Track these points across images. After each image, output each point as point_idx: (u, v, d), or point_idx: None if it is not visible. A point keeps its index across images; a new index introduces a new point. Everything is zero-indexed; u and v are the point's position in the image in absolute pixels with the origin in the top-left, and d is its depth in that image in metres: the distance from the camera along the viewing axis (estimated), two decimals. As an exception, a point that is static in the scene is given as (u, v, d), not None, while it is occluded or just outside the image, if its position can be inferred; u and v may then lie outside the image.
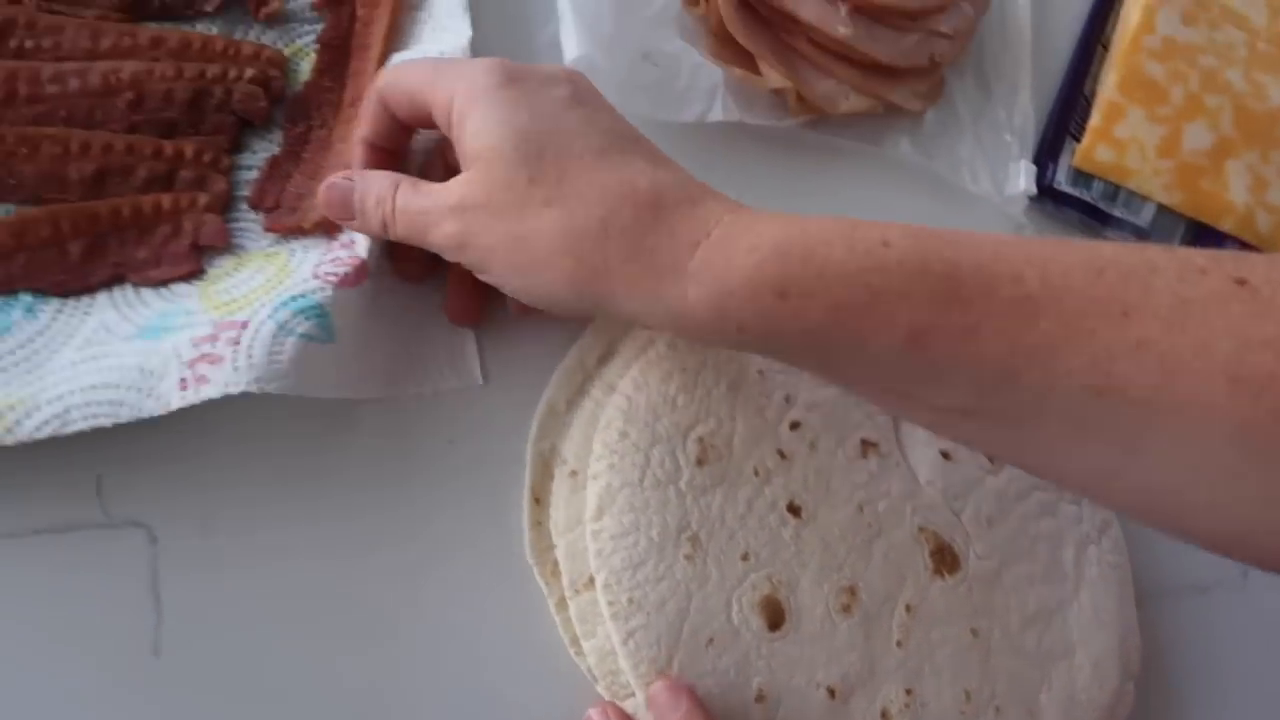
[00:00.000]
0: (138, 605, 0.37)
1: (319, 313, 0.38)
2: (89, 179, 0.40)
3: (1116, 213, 0.52)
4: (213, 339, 0.36)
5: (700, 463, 0.40)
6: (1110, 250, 0.30)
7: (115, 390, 0.36)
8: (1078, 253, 0.30)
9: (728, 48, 0.49)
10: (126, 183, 0.40)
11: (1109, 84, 0.53)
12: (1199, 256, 0.29)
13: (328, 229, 0.41)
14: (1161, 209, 0.53)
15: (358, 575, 0.39)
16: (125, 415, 0.35)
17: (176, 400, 0.36)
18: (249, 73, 0.43)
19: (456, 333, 0.43)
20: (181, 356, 0.36)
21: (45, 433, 0.35)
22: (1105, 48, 0.57)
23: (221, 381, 0.36)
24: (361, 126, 0.40)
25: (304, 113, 0.44)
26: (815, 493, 0.41)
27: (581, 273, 0.34)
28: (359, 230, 0.40)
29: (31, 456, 0.36)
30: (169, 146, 0.41)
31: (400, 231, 0.37)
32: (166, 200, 0.40)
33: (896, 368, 0.31)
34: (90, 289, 0.39)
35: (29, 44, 0.41)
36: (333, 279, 0.38)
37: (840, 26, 0.48)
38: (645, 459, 0.40)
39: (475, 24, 0.45)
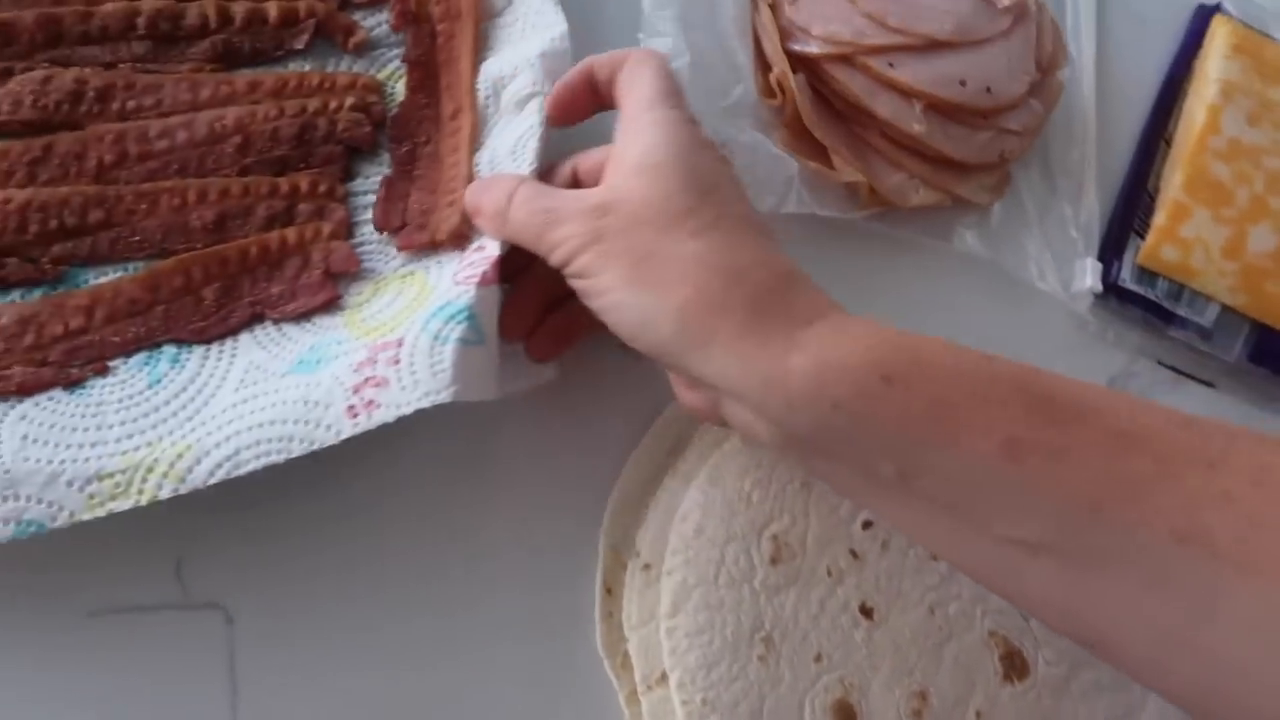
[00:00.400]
0: (215, 685, 0.38)
1: (468, 315, 0.37)
2: (211, 225, 0.41)
3: (1180, 312, 0.53)
4: (371, 362, 0.36)
5: (774, 561, 0.40)
6: (1190, 413, 0.30)
7: (283, 426, 0.36)
8: (1162, 407, 0.31)
9: (802, 140, 0.49)
10: (248, 223, 0.41)
11: (1174, 183, 0.54)
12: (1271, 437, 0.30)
13: (460, 241, 0.41)
14: (1225, 310, 0.53)
15: (428, 657, 0.39)
16: (298, 450, 0.36)
17: (349, 428, 0.36)
18: (349, 101, 0.44)
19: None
20: (344, 384, 0.36)
21: (219, 476, 0.35)
22: (1168, 143, 0.57)
23: (392, 403, 0.35)
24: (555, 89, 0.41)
25: (407, 132, 0.44)
26: (887, 594, 0.41)
27: (695, 305, 0.33)
28: (483, 227, 0.40)
29: (114, 537, 0.36)
30: (284, 183, 0.42)
31: (518, 223, 0.37)
32: (292, 234, 0.41)
33: (980, 479, 0.30)
34: (232, 331, 0.40)
35: (131, 104, 0.41)
36: (473, 279, 0.38)
37: (915, 123, 0.48)
38: (720, 556, 0.40)
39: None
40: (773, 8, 0.50)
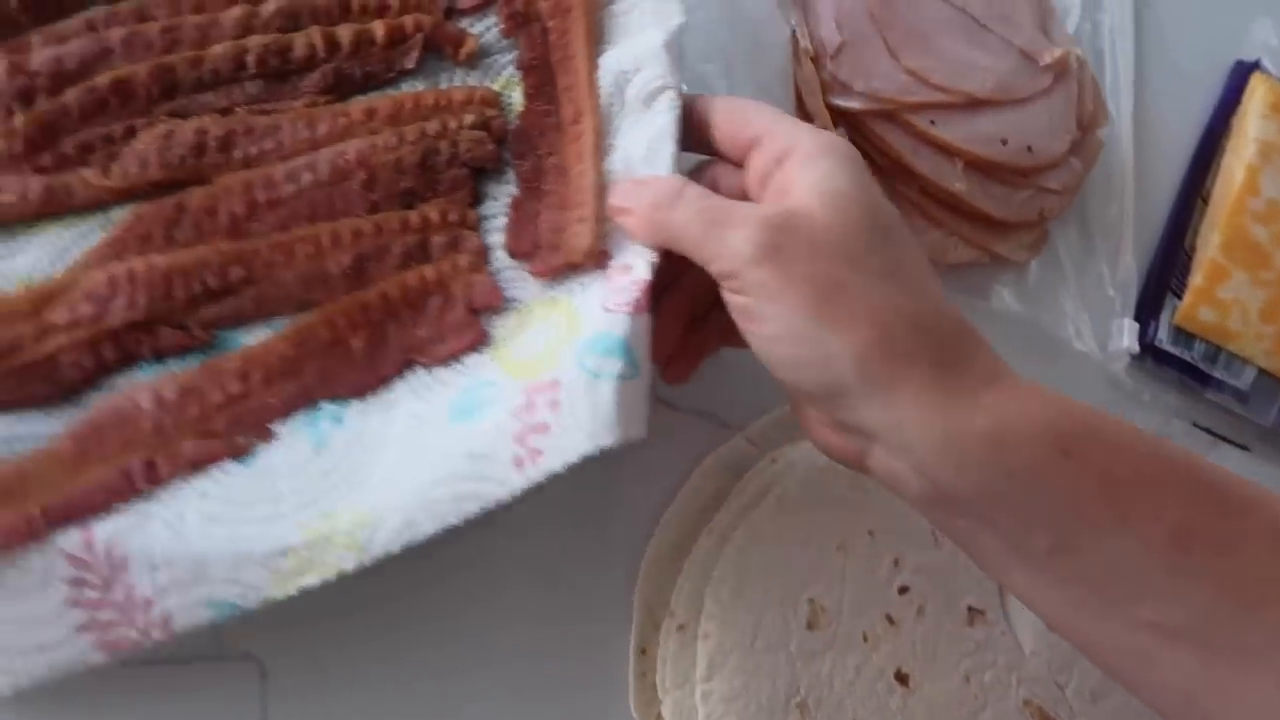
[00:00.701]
0: (249, 737, 0.38)
1: (623, 349, 0.36)
2: (349, 270, 0.40)
3: (1217, 374, 0.53)
4: (530, 407, 0.36)
5: (811, 626, 0.40)
6: None
7: (454, 484, 0.35)
8: None
9: (842, 195, 0.49)
10: (384, 263, 0.41)
11: (1212, 244, 0.54)
12: None
13: (599, 259, 0.39)
14: (1262, 373, 0.53)
15: (460, 715, 0.40)
16: (472, 508, 0.35)
17: (519, 481, 0.35)
18: (468, 119, 0.43)
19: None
20: (507, 432, 0.36)
21: (398, 545, 0.35)
22: (1205, 201, 0.58)
23: (557, 450, 0.35)
24: None
25: (530, 144, 0.43)
26: (922, 660, 0.41)
27: (879, 350, 0.32)
28: (632, 229, 0.38)
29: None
30: (414, 216, 0.41)
31: (680, 219, 0.35)
32: (430, 271, 0.41)
33: (1140, 563, 0.30)
34: (385, 381, 0.40)
35: (253, 150, 0.41)
36: (626, 307, 0.36)
37: (955, 181, 0.48)
38: (757, 620, 0.40)
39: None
40: (814, 61, 0.50)
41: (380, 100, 0.43)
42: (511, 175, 0.43)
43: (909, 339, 0.32)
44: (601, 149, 0.41)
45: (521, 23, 0.45)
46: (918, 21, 0.50)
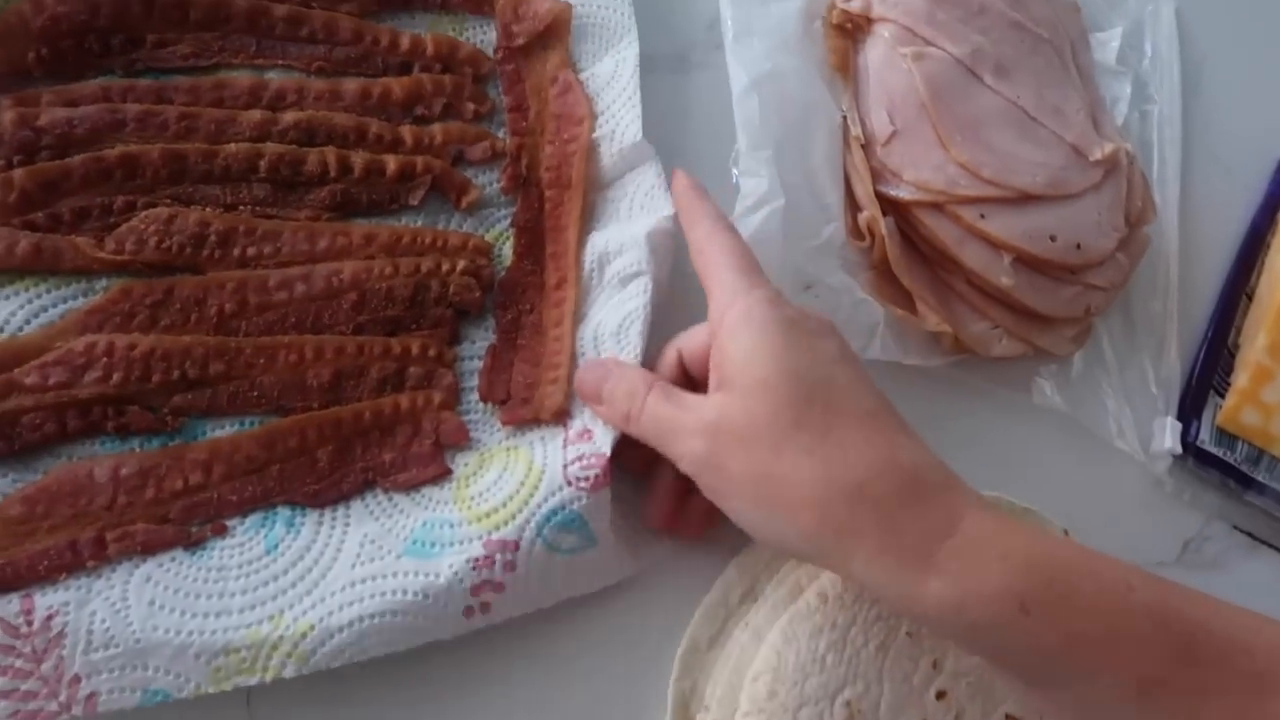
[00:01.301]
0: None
1: (580, 523, 0.40)
2: (326, 384, 0.41)
3: (1260, 477, 0.52)
4: (489, 562, 0.39)
5: (847, 729, 0.39)
6: None
7: (405, 618, 0.38)
8: None
9: (887, 283, 0.49)
10: (361, 384, 0.42)
11: (1257, 345, 0.53)
12: None
13: (561, 418, 0.42)
14: (1305, 479, 0.52)
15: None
16: (417, 641, 0.38)
17: (464, 627, 0.39)
18: (461, 264, 0.44)
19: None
20: (464, 583, 0.38)
21: (342, 660, 0.37)
22: (1249, 297, 0.57)
23: (505, 608, 0.39)
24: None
25: (512, 298, 0.45)
26: (959, 769, 0.40)
27: (824, 528, 0.34)
28: (603, 417, 0.41)
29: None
30: (396, 345, 0.43)
31: (643, 431, 0.38)
32: (404, 400, 0.42)
33: (1114, 711, 0.31)
34: (344, 497, 0.41)
35: (251, 251, 0.42)
36: (584, 484, 0.40)
37: (1003, 276, 0.48)
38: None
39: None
40: (864, 148, 0.50)
41: (381, 229, 0.44)
42: (492, 323, 0.45)
43: (849, 513, 0.33)
44: (578, 316, 0.44)
45: (522, 185, 0.47)
46: (969, 113, 0.49)
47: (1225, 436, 0.52)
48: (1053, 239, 0.48)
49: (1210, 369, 0.54)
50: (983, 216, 0.48)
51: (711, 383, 0.38)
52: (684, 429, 0.36)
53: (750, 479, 0.35)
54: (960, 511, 0.34)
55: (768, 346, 0.36)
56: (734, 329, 0.37)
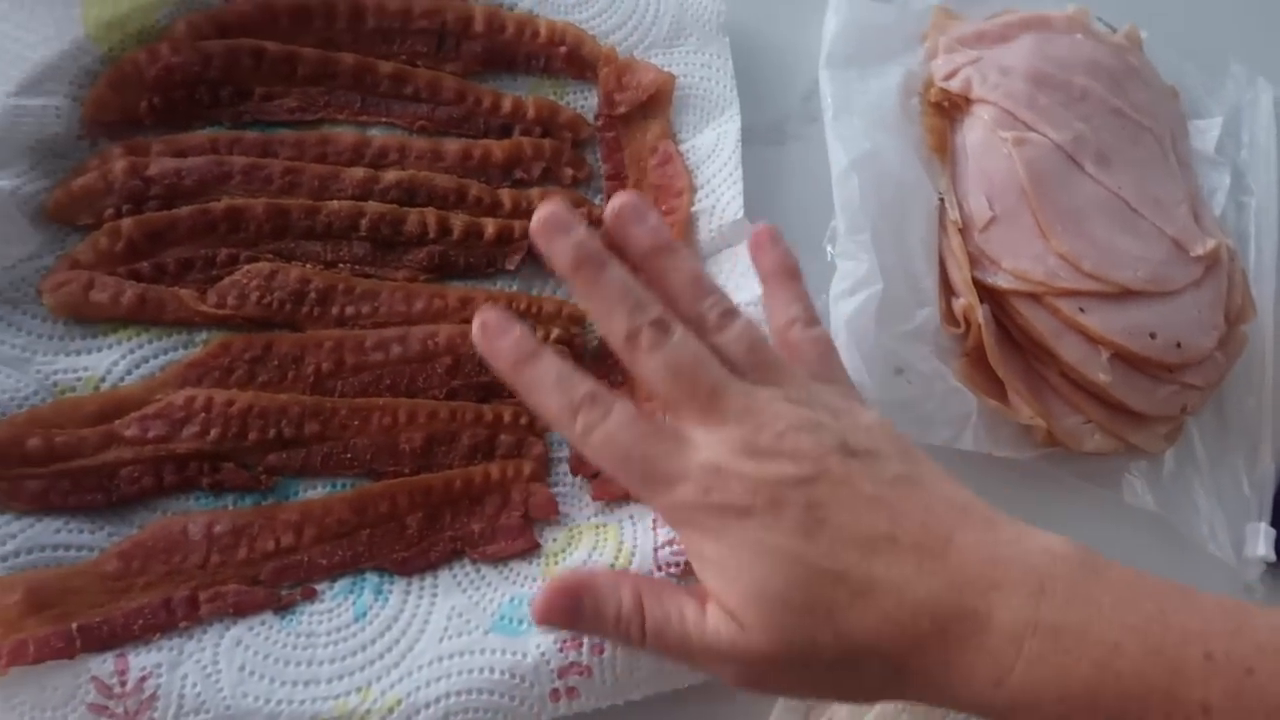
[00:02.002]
0: None
1: None
2: (418, 449, 0.41)
3: (1354, 590, 0.50)
4: (577, 644, 0.38)
5: None
6: None
7: (491, 697, 0.38)
8: None
9: (980, 371, 0.48)
10: (452, 450, 0.42)
11: (1354, 452, 0.52)
12: None
13: None
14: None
15: None
16: None
17: (549, 712, 0.38)
18: (555, 332, 0.44)
19: None
20: (550, 664, 0.38)
21: None
22: (1344, 401, 0.56)
23: (592, 695, 0.38)
24: None
25: (604, 370, 0.44)
26: None
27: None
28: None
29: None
30: (489, 412, 0.43)
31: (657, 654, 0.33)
32: (495, 470, 0.42)
33: None
34: (431, 566, 0.40)
35: (349, 310, 0.42)
36: (675, 570, 0.39)
37: (1100, 372, 0.47)
38: None
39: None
40: (962, 233, 0.49)
41: (477, 292, 0.44)
42: None
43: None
44: None
45: (615, 253, 0.46)
46: (1070, 202, 0.49)
47: (1319, 546, 0.51)
48: (1153, 336, 0.48)
49: (1305, 473, 0.53)
50: (1082, 310, 0.47)
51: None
52: (704, 656, 0.32)
53: (798, 693, 0.34)
54: (1010, 629, 0.30)
55: (773, 574, 0.30)
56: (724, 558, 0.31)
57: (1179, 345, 0.48)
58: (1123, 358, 0.48)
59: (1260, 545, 0.49)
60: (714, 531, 0.31)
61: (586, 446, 0.32)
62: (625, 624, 0.32)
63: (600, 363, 0.45)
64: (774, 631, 0.30)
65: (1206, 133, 0.58)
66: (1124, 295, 0.48)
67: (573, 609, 0.32)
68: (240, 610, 0.38)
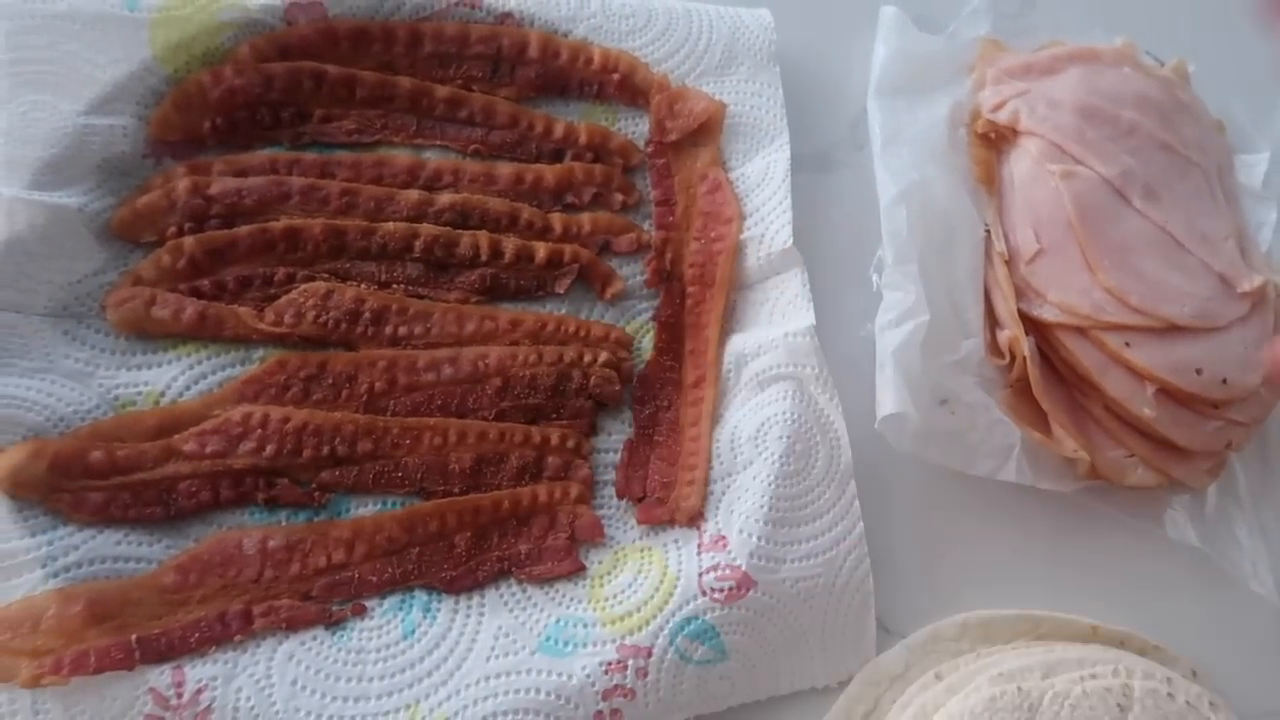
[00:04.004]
0: None
1: (712, 635, 0.40)
2: (468, 469, 0.42)
3: (1397, 630, 0.50)
4: (621, 668, 0.39)
5: None
6: None
7: (537, 717, 0.38)
8: None
9: (1023, 402, 0.48)
10: (500, 471, 0.43)
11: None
12: None
13: (695, 521, 0.42)
14: None
15: None
16: None
17: None
18: (602, 356, 0.45)
19: (860, 620, 0.43)
20: (595, 686, 0.39)
21: None
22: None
23: (635, 717, 0.39)
24: None
25: (650, 394, 0.45)
26: None
27: None
28: None
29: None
30: (537, 433, 0.43)
31: None
32: (542, 492, 0.42)
33: None
34: (479, 585, 0.41)
35: (403, 330, 0.43)
36: (719, 596, 0.40)
37: (1145, 407, 0.47)
38: None
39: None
40: (1008, 264, 0.49)
41: (527, 315, 0.45)
42: (628, 416, 0.45)
43: None
44: (715, 417, 0.44)
45: (665, 280, 0.47)
46: (1118, 236, 0.49)
47: (1363, 586, 0.51)
48: (1199, 372, 0.47)
49: (1347, 512, 0.53)
50: (1128, 345, 0.47)
51: None
52: None
53: None
54: None
55: None
56: None
57: (1224, 381, 0.48)
58: (1168, 393, 0.47)
59: (1302, 584, 0.49)
60: None
61: None
62: None
63: (646, 387, 0.45)
64: None
65: (1253, 167, 0.58)
66: (1170, 330, 0.48)
67: None
68: (292, 625, 0.38)
